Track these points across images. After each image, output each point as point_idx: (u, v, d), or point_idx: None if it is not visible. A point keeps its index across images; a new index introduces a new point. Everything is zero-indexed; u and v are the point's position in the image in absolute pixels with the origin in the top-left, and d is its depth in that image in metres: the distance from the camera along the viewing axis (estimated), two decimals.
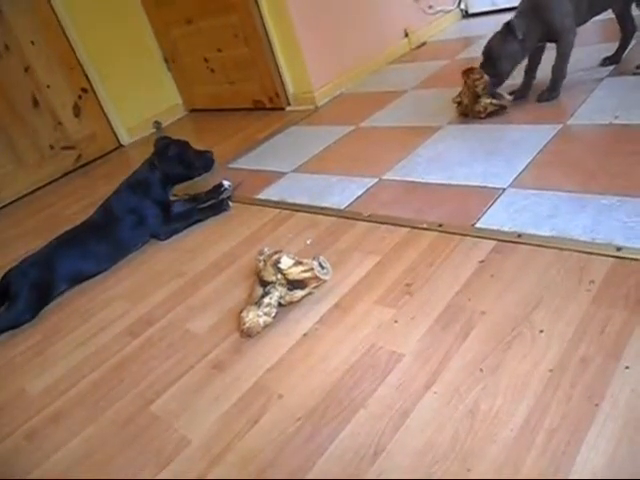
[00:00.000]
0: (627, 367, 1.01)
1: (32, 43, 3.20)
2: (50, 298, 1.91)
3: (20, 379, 1.57)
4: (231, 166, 2.62)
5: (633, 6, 2.12)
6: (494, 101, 2.14)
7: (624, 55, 2.28)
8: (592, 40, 2.62)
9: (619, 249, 1.29)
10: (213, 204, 2.19)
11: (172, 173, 2.12)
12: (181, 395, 1.30)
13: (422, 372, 1.14)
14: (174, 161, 2.11)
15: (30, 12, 3.15)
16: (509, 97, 2.17)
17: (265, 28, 3.01)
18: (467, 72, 2.15)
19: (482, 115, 2.17)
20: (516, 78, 2.22)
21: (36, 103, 3.26)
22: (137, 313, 1.69)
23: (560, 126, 1.94)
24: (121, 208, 2.05)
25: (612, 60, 2.30)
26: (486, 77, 2.10)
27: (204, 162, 2.18)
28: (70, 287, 1.96)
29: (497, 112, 2.17)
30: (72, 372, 1.52)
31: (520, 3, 2.11)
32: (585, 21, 2.11)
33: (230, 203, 2.17)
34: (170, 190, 2.17)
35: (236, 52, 3.24)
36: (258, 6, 2.95)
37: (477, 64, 2.16)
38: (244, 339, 1.41)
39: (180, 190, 2.33)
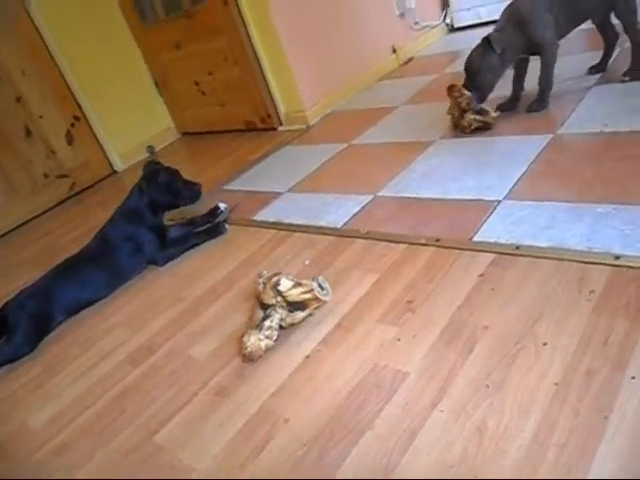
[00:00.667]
0: (633, 377, 1.00)
1: (23, 73, 3.22)
2: (49, 330, 1.89)
3: (22, 412, 1.55)
4: (226, 188, 2.62)
5: (612, 15, 2.15)
6: (478, 117, 2.15)
7: (609, 63, 2.31)
8: (578, 49, 2.66)
9: (617, 257, 1.29)
10: (209, 227, 2.18)
11: (159, 200, 2.10)
12: (185, 424, 1.28)
13: (428, 390, 1.13)
14: (162, 188, 2.10)
15: (20, 43, 3.17)
16: (494, 114, 2.17)
17: (254, 50, 3.04)
18: (449, 89, 2.17)
19: (467, 131, 2.19)
20: (503, 89, 2.25)
21: (29, 133, 3.27)
22: (137, 341, 1.68)
23: (551, 136, 1.96)
24: (117, 236, 2.05)
25: (598, 68, 2.33)
26: (467, 93, 2.12)
27: (191, 193, 2.17)
28: (68, 317, 1.95)
29: (482, 128, 2.18)
30: (74, 403, 1.50)
31: (500, 17, 2.14)
32: (566, 33, 2.15)
33: (226, 226, 2.17)
34: (162, 215, 2.17)
35: (226, 74, 3.26)
36: (246, 28, 2.98)
37: (464, 78, 2.18)
38: (246, 364, 1.40)
39: (175, 214, 2.34)
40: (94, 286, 1.98)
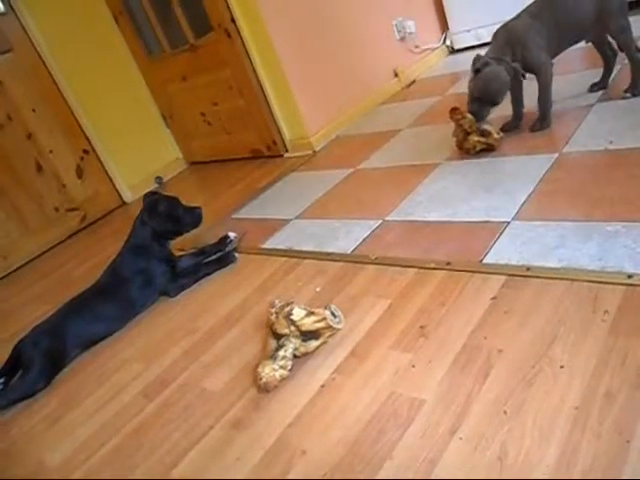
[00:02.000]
0: None
1: (33, 111, 3.29)
2: (63, 365, 1.90)
3: (38, 451, 1.55)
4: (235, 216, 2.64)
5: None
6: (482, 139, 2.16)
7: (611, 80, 2.33)
8: (579, 67, 2.69)
9: (630, 276, 1.28)
10: (220, 257, 2.20)
11: (162, 229, 2.10)
12: (201, 459, 1.28)
13: (445, 417, 1.13)
14: (164, 217, 2.10)
15: (30, 81, 3.25)
16: (497, 135, 2.17)
17: (258, 79, 3.10)
18: (451, 112, 2.19)
19: (471, 152, 2.21)
20: (504, 110, 2.27)
21: (40, 168, 3.33)
22: (151, 374, 1.68)
23: (556, 155, 1.97)
24: (127, 270, 2.06)
25: (600, 86, 2.35)
26: (469, 116, 2.13)
27: (193, 218, 2.17)
28: (83, 351, 1.96)
29: (487, 150, 2.19)
30: (90, 440, 1.50)
31: (493, 40, 2.16)
32: (559, 53, 2.17)
33: (236, 254, 2.19)
34: (168, 245, 2.17)
35: (231, 104, 3.32)
36: (250, 59, 3.04)
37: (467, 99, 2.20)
38: (262, 394, 1.39)
39: (185, 243, 2.36)
40: (107, 321, 1.99)
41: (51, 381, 1.84)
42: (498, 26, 2.17)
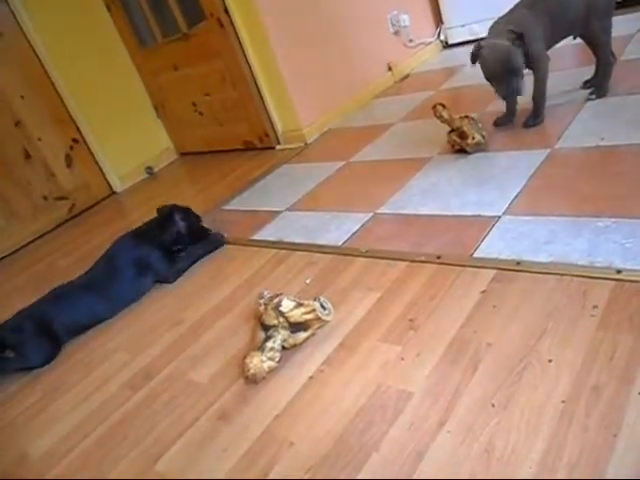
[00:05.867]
0: None
1: (22, 97, 3.24)
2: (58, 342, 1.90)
3: (22, 441, 1.53)
4: (225, 208, 2.62)
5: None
6: (457, 140, 2.14)
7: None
8: (571, 64, 2.69)
9: (619, 272, 1.29)
10: (209, 239, 2.20)
11: (170, 242, 2.13)
12: (187, 450, 1.26)
13: (433, 410, 1.12)
14: (175, 235, 2.12)
15: (19, 68, 3.20)
16: (472, 141, 2.11)
17: (251, 70, 3.07)
18: (433, 108, 2.16)
19: (454, 149, 2.20)
20: (497, 106, 2.26)
21: (28, 156, 3.28)
22: (137, 365, 1.66)
23: (548, 150, 1.96)
24: (124, 257, 2.05)
25: (592, 82, 2.34)
26: (445, 114, 2.10)
27: (206, 247, 2.19)
28: (72, 338, 1.94)
29: (462, 151, 2.18)
30: (74, 431, 1.48)
31: (490, 33, 2.13)
32: (549, 47, 2.15)
33: (225, 235, 2.18)
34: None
35: (224, 95, 3.29)
36: (243, 50, 3.01)
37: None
38: (249, 386, 1.38)
39: None
40: (99, 305, 1.98)
41: (50, 361, 1.85)
42: (492, 21, 2.15)
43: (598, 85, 2.17)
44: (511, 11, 2.12)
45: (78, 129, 3.45)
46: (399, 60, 3.65)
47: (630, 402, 0.98)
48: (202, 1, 2.96)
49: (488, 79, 2.10)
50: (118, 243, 2.11)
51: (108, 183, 3.61)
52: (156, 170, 3.78)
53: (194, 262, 2.13)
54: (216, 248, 2.17)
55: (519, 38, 1.99)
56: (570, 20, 2.09)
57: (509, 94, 2.09)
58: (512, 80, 2.03)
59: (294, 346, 1.43)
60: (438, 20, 3.91)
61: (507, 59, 2.00)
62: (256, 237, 2.19)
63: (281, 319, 1.40)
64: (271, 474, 1.12)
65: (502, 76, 2.04)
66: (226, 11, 2.91)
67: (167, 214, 2.15)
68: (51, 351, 1.87)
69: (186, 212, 2.19)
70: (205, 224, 2.28)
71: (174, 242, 2.14)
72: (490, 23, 2.15)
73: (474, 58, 2.08)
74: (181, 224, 2.13)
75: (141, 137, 3.74)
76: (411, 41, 3.76)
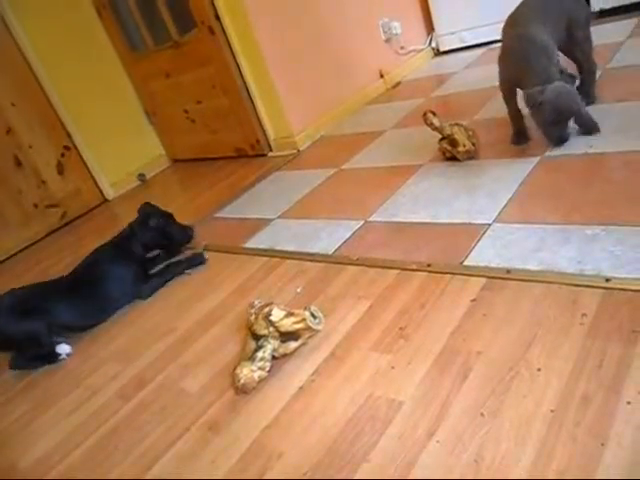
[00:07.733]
0: (629, 402, 1.00)
1: (12, 105, 3.23)
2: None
3: (11, 453, 1.52)
4: (217, 215, 2.62)
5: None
6: (448, 147, 2.15)
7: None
8: None
9: (608, 280, 1.29)
10: (189, 257, 2.19)
11: (149, 241, 2.16)
12: (177, 461, 1.26)
13: (423, 420, 1.12)
14: (153, 230, 2.15)
15: (9, 75, 3.19)
16: (463, 148, 2.11)
17: (242, 78, 3.07)
18: (423, 116, 2.17)
19: (446, 156, 2.21)
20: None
21: (19, 163, 3.27)
22: (128, 375, 1.66)
23: (538, 158, 1.98)
24: (103, 266, 2.07)
25: (580, 91, 2.35)
26: (435, 122, 2.11)
27: (183, 236, 2.25)
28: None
29: (453, 159, 2.19)
30: (64, 442, 1.47)
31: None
32: None
33: (205, 255, 2.18)
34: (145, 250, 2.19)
35: (215, 102, 3.29)
36: (234, 57, 3.02)
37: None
38: (239, 396, 1.38)
39: None
40: (75, 311, 1.97)
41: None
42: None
43: (585, 93, 2.18)
44: (524, 19, 2.03)
45: (69, 136, 3.44)
46: (391, 67, 3.67)
47: (619, 411, 0.99)
48: (193, 8, 2.97)
49: (551, 123, 1.95)
50: (93, 253, 2.14)
51: (100, 190, 3.60)
52: (148, 177, 3.77)
53: (169, 280, 2.12)
54: (195, 266, 2.15)
55: (571, 77, 1.94)
56: (557, 30, 2.10)
57: (565, 138, 1.99)
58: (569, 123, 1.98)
59: (285, 355, 1.43)
60: (429, 27, 3.94)
61: (575, 101, 1.92)
62: (247, 245, 2.19)
63: (271, 329, 1.39)
64: None
65: (568, 119, 1.96)
66: (217, 18, 2.92)
67: (142, 219, 2.16)
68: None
69: (162, 214, 2.21)
70: (196, 232, 2.30)
71: (150, 248, 2.17)
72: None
73: (535, 101, 1.90)
74: (157, 225, 2.16)
75: (133, 144, 3.73)
76: (402, 48, 3.78)
